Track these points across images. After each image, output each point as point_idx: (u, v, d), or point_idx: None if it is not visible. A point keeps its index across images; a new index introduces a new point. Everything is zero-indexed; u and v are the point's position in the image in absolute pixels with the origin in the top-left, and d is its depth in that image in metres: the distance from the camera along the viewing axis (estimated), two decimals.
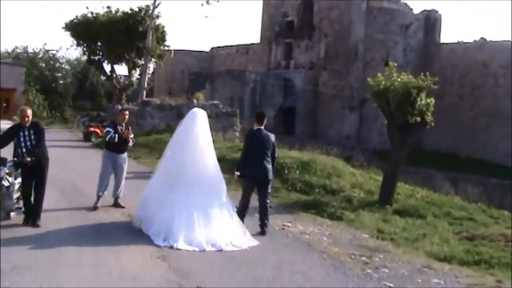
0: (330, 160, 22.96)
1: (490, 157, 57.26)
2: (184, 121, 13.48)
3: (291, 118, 67.33)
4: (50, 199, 14.72)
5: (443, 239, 14.25)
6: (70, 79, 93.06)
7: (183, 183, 12.54)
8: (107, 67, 55.86)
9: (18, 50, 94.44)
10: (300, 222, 15.00)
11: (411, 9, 69.17)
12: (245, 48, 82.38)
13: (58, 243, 11.33)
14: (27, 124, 12.57)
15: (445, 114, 52.41)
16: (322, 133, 64.42)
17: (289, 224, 14.47)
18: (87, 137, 38.61)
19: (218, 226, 12.17)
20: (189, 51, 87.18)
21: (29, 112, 12.68)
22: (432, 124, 18.50)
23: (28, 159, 12.22)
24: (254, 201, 16.32)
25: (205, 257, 10.96)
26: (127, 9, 51.92)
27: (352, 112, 65.18)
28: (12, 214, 12.86)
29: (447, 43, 68.15)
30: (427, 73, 18.49)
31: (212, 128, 30.51)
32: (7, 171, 12.10)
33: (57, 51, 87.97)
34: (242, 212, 13.32)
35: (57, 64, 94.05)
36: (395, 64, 19.36)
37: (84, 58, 59.33)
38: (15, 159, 12.46)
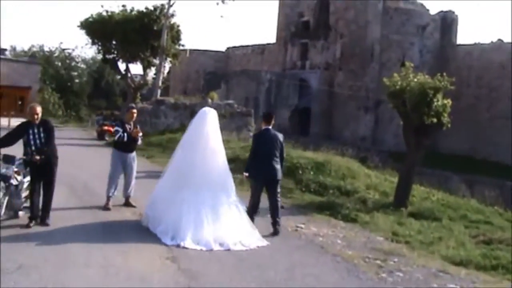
0: (345, 161, 22.71)
1: (506, 159, 56.66)
2: (194, 120, 13.40)
3: (306, 119, 67.12)
4: (60, 197, 14.66)
5: (459, 243, 13.96)
6: (85, 78, 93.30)
7: (192, 182, 12.45)
8: (121, 66, 55.81)
9: (34, 49, 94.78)
10: (313, 223, 14.75)
11: (428, 10, 68.85)
12: (261, 48, 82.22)
13: (66, 242, 11.16)
14: (37, 122, 12.37)
15: (461, 116, 51.90)
16: (337, 134, 64.14)
17: (302, 226, 14.23)
18: (100, 135, 38.50)
19: (226, 225, 12.07)
20: (204, 51, 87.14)
21: (39, 109, 12.47)
22: (449, 125, 18.24)
23: (37, 157, 11.99)
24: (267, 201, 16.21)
25: (215, 258, 10.74)
26: (142, 8, 51.96)
27: (368, 113, 64.88)
28: (21, 213, 12.70)
29: (463, 45, 67.70)
30: (444, 74, 18.22)
31: (227, 128, 30.50)
32: (15, 169, 11.89)
33: (73, 50, 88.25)
34: (251, 213, 13.19)
35: (73, 63, 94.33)
36: (412, 65, 19.10)
37: (99, 57, 59.16)
38: (24, 157, 12.27)
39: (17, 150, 12.50)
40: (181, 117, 37.22)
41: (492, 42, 64.39)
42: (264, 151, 13.38)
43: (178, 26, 51.84)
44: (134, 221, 13.55)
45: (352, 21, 65.89)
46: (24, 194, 12.57)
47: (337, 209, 16.46)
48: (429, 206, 18.15)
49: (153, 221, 12.62)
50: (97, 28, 51.49)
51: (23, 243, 10.84)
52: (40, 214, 12.37)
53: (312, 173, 20.51)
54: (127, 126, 15.14)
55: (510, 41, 62.20)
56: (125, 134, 14.94)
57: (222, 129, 32.05)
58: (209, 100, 39.29)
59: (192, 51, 77.59)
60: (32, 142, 12.22)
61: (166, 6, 48.24)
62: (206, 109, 13.63)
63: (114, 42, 52.73)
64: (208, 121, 13.10)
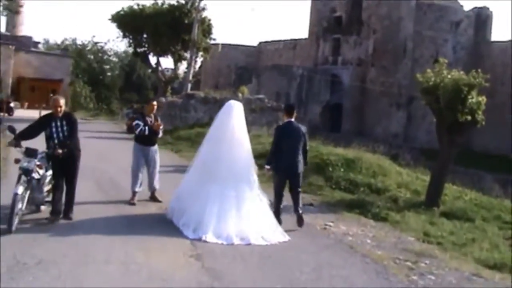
0: (376, 158, 22.25)
1: None
2: (220, 114, 13.25)
3: (338, 115, 66.64)
4: (85, 191, 14.62)
5: (493, 245, 13.55)
6: (117, 72, 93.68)
7: (218, 176, 12.35)
8: (152, 60, 55.75)
9: (67, 42, 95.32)
10: (343, 222, 14.40)
11: (462, 6, 67.98)
12: (293, 43, 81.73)
13: (87, 237, 10.95)
14: (60, 115, 12.11)
15: (496, 114, 51.08)
16: (368, 131, 63.63)
17: (331, 224, 13.88)
18: (130, 129, 38.33)
19: (249, 220, 11.98)
20: (236, 45, 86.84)
21: (62, 101, 12.18)
22: (483, 123, 17.77)
23: (60, 151, 11.72)
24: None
25: (240, 257, 10.43)
26: (173, 1, 51.86)
27: (400, 110, 64.26)
28: (43, 207, 12.50)
29: (498, 41, 66.76)
30: (479, 70, 17.78)
31: (257, 123, 30.22)
32: (38, 163, 11.63)
33: (105, 43, 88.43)
34: (277, 208, 13.14)
35: (105, 57, 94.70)
36: (446, 61, 18.69)
37: (131, 50, 59.17)
38: (47, 150, 12.02)
39: (39, 143, 12.27)
40: (211, 111, 36.91)
41: None
42: (286, 144, 13.27)
43: (209, 20, 51.68)
44: (159, 216, 13.33)
45: (385, 17, 65.25)
46: (46, 188, 12.31)
47: (367, 207, 16.09)
48: (461, 206, 17.69)
49: (178, 214, 12.58)
50: (128, 21, 51.51)
51: (44, 237, 10.65)
52: (62, 209, 12.15)
53: (342, 170, 20.12)
54: (148, 119, 14.88)
55: None
56: (146, 128, 14.68)
57: (252, 124, 32.00)
58: (240, 95, 38.99)
59: (224, 45, 77.46)
60: (55, 135, 11.99)
61: (197, 0, 48.06)
62: (232, 102, 13.47)
63: (145, 36, 52.68)
64: (234, 115, 12.96)
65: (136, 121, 14.87)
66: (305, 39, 76.40)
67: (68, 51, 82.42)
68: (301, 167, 13.44)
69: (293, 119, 13.59)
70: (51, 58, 71.24)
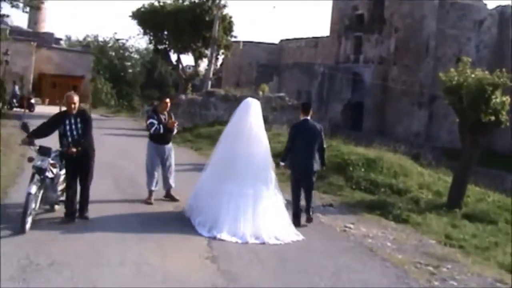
0: (397, 158, 21.95)
1: None
2: (237, 112, 13.21)
3: (359, 114, 66.23)
4: (102, 189, 14.58)
5: None
6: (139, 68, 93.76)
7: (235, 174, 12.28)
8: (173, 57, 55.58)
9: (89, 39, 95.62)
10: (363, 223, 14.14)
11: (485, 4, 67.27)
12: (314, 41, 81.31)
13: (103, 238, 10.79)
14: (74, 112, 11.88)
15: None
16: (390, 130, 63.18)
17: (351, 226, 13.62)
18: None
19: (264, 219, 11.93)
20: (258, 43, 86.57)
21: (76, 98, 11.92)
22: (507, 123, 17.45)
23: (74, 149, 11.46)
24: (317, 200, 15.73)
25: (257, 260, 10.22)
26: None
27: (422, 109, 63.74)
28: (57, 207, 12.31)
29: None
30: (503, 70, 17.47)
31: (278, 121, 29.98)
32: (51, 161, 11.42)
33: (127, 40, 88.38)
34: (296, 206, 13.14)
35: (127, 53, 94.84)
36: (469, 60, 18.38)
37: (152, 47, 58.95)
38: (61, 149, 11.78)
39: (53, 141, 12.09)
40: (231, 109, 36.45)
41: None
42: (301, 142, 13.24)
43: (230, 17, 51.32)
44: (176, 215, 13.21)
45: (408, 15, 64.71)
46: (61, 187, 12.07)
47: (388, 208, 15.80)
48: (484, 208, 17.34)
49: (195, 212, 12.52)
50: (149, 18, 51.30)
51: (58, 238, 10.49)
52: (77, 209, 11.97)
53: (363, 170, 19.83)
54: (162, 117, 14.66)
55: None
56: (161, 126, 14.45)
57: (273, 122, 31.75)
58: (260, 93, 38.75)
59: (245, 43, 77.22)
60: (68, 133, 11.76)
61: None
62: (249, 99, 13.45)
63: (165, 33, 52.48)
64: (251, 112, 12.92)
65: (150, 120, 14.59)
66: (327, 37, 76.03)
67: (89, 47, 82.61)
68: (315, 166, 13.35)
69: (309, 117, 13.51)
70: (72, 55, 71.38)
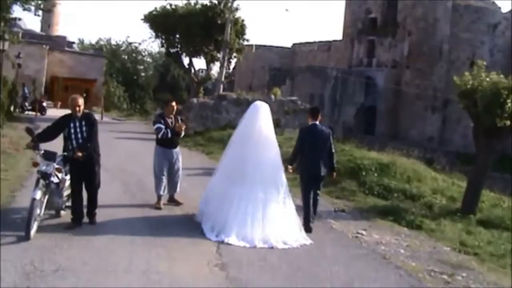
0: (410, 163, 21.69)
1: None
2: (246, 115, 13.08)
3: (372, 118, 65.96)
4: (112, 193, 14.45)
5: None
6: (151, 72, 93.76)
7: (245, 178, 12.12)
8: (185, 60, 55.35)
9: (102, 42, 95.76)
10: (375, 230, 13.88)
11: (499, 8, 66.85)
12: (327, 45, 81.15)
13: (109, 243, 10.56)
14: (79, 115, 11.58)
15: None
16: (403, 134, 62.89)
17: (364, 232, 13.36)
18: None
19: (273, 223, 11.80)
20: (270, 46, 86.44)
21: (81, 101, 11.61)
22: None
23: (80, 153, 11.18)
24: (329, 205, 15.51)
25: (267, 267, 9.97)
26: (206, 2, 51.36)
27: (435, 113, 63.41)
28: (63, 212, 12.05)
29: None
30: None
31: (290, 125, 29.74)
32: (56, 166, 11.15)
33: (140, 43, 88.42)
34: (306, 212, 12.96)
35: (139, 57, 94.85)
36: (484, 63, 18.12)
37: (163, 50, 58.76)
38: (65, 153, 11.49)
39: (59, 145, 11.88)
40: (243, 112, 35.98)
41: None
42: (309, 146, 13.10)
43: (242, 20, 51.07)
44: (185, 221, 12.98)
45: (421, 18, 64.41)
46: (66, 192, 11.78)
47: (402, 214, 15.55)
48: (499, 214, 17.07)
49: (206, 217, 12.37)
50: (161, 21, 51.13)
51: (65, 244, 10.22)
52: (84, 215, 11.73)
53: (376, 175, 19.57)
54: (168, 121, 14.41)
55: None
56: (168, 130, 14.21)
57: (285, 126, 31.49)
58: (272, 96, 38.49)
59: (258, 46, 77.08)
60: (73, 137, 11.45)
61: (230, 0, 47.63)
62: (258, 103, 13.32)
63: (177, 36, 52.29)
64: (260, 115, 12.77)
65: (157, 125, 14.28)
66: (340, 40, 75.87)
67: (102, 51, 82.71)
68: (323, 171, 13.20)
69: (317, 122, 13.40)
70: (85, 58, 71.51)
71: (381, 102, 66.10)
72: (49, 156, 11.05)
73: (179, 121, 14.57)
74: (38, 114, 46.93)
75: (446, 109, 62.02)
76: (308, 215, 12.90)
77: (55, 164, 10.93)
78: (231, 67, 63.97)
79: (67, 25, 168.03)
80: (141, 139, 31.80)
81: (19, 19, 37.26)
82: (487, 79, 17.10)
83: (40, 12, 32.90)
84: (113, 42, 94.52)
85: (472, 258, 12.21)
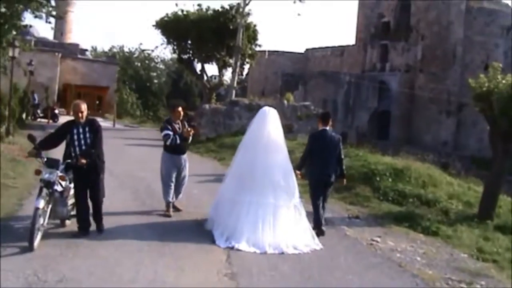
0: (425, 167, 21.29)
1: None
2: (255, 121, 12.89)
3: (386, 122, 65.60)
4: (121, 200, 14.42)
5: None
6: (164, 79, 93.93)
7: (254, 184, 12.02)
8: (197, 66, 55.09)
9: (115, 50, 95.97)
10: (390, 236, 13.52)
11: None
12: (340, 50, 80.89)
13: (116, 253, 10.23)
14: (82, 121, 11.23)
15: None
16: (417, 138, 62.54)
17: (379, 240, 12.99)
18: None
19: (284, 228, 11.69)
20: (283, 52, 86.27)
21: (84, 107, 11.27)
22: None
23: (84, 160, 10.81)
24: (343, 211, 15.20)
25: (278, 276, 9.64)
26: (217, 7, 51.08)
27: (449, 117, 63.01)
28: (68, 221, 11.73)
29: None
30: None
31: (302, 130, 29.46)
32: (60, 174, 10.81)
33: (152, 50, 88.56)
34: (317, 217, 12.81)
35: (152, 64, 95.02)
36: (500, 65, 17.77)
37: (176, 56, 58.49)
38: (68, 160, 11.08)
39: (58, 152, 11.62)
40: None
41: None
42: (319, 152, 13.02)
43: (254, 25, 50.75)
44: (194, 228, 12.69)
45: (434, 22, 64.08)
46: (71, 201, 11.40)
47: (417, 220, 15.17)
48: None
49: (216, 224, 12.18)
50: (172, 27, 50.85)
51: (70, 253, 9.91)
52: (90, 224, 11.40)
53: (390, 180, 19.20)
54: (176, 126, 14.12)
55: None
56: (177, 136, 13.90)
57: (298, 131, 31.17)
58: (285, 102, 38.25)
59: (271, 52, 76.97)
60: (76, 143, 11.09)
61: (242, 4, 47.31)
62: (266, 108, 13.13)
63: (189, 42, 52.03)
64: (268, 121, 12.63)
65: (165, 131, 13.93)
66: (353, 45, 75.62)
67: (115, 58, 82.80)
68: (333, 177, 13.13)
69: (328, 128, 13.28)
70: (97, 65, 71.62)
71: (395, 106, 65.76)
72: (52, 163, 10.71)
73: (186, 126, 14.24)
74: (51, 121, 46.91)
75: (461, 113, 61.65)
76: (318, 219, 12.74)
77: (58, 172, 10.57)
78: (244, 73, 63.76)
79: (80, 32, 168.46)
80: (152, 146, 31.54)
81: (30, 26, 37.06)
82: (503, 81, 16.78)
83: (51, 20, 32.59)
84: (126, 49, 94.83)
85: (491, 266, 11.85)
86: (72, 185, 11.19)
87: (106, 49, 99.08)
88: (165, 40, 52.93)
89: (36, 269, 8.86)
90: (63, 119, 46.31)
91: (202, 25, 48.26)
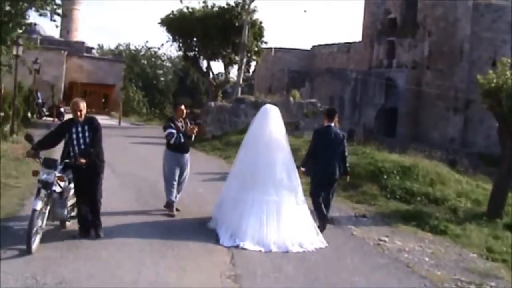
0: (433, 165, 21.01)
1: None
2: (256, 119, 12.86)
3: (393, 119, 65.32)
4: (124, 200, 14.31)
5: None
6: (171, 76, 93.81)
7: (256, 182, 11.97)
8: (203, 64, 54.88)
9: (121, 47, 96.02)
10: (398, 236, 13.27)
11: None
12: (347, 47, 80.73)
13: (117, 254, 10.00)
14: (81, 119, 10.95)
15: None
16: (424, 135, 62.26)
17: (386, 239, 12.75)
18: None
19: (288, 226, 11.61)
20: (290, 49, 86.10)
21: (82, 105, 10.96)
22: None
23: (83, 160, 10.47)
24: (350, 210, 14.97)
25: (283, 278, 9.40)
26: (223, 4, 50.80)
27: (457, 114, 62.65)
28: (68, 223, 11.46)
29: None
30: None
31: (309, 127, 29.27)
32: (58, 174, 10.44)
33: (159, 48, 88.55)
34: (319, 212, 12.75)
35: (159, 61, 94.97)
36: (509, 61, 17.51)
37: (181, 54, 58.21)
38: (67, 160, 10.76)
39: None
40: None
41: None
42: (323, 148, 12.94)
43: (260, 22, 50.45)
44: (198, 228, 12.45)
45: (441, 18, 63.74)
46: (71, 202, 11.09)
47: (425, 219, 14.90)
48: None
49: (219, 224, 12.13)
50: (178, 24, 50.61)
51: (70, 256, 9.69)
52: (91, 226, 11.08)
53: (397, 178, 18.94)
54: (179, 124, 13.95)
55: None
56: (181, 135, 13.74)
57: (304, 129, 30.96)
58: (291, 99, 38.02)
59: (277, 49, 76.81)
60: (75, 142, 10.77)
61: (248, 1, 47.04)
62: (268, 106, 13.09)
63: (194, 39, 51.80)
64: (270, 119, 12.57)
65: (169, 130, 13.73)
66: (359, 42, 75.42)
67: (121, 56, 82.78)
68: (337, 173, 13.08)
69: (333, 124, 13.20)
70: (103, 63, 71.67)
71: (402, 103, 65.47)
72: (50, 164, 10.34)
73: (189, 123, 14.07)
74: (56, 119, 46.79)
75: (468, 110, 61.32)
76: (321, 215, 12.71)
77: (56, 172, 10.26)
78: (251, 70, 63.58)
79: (87, 31, 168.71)
80: (157, 144, 31.40)
81: (35, 25, 36.97)
82: None
83: (56, 17, 32.39)
84: (132, 47, 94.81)
85: (501, 266, 11.58)
86: (72, 185, 10.91)
87: (113, 47, 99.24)
88: (171, 37, 52.71)
89: (35, 271, 8.67)
90: (68, 118, 46.41)
91: (207, 22, 48.02)
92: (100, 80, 67.48)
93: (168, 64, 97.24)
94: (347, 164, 13.42)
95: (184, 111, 14.21)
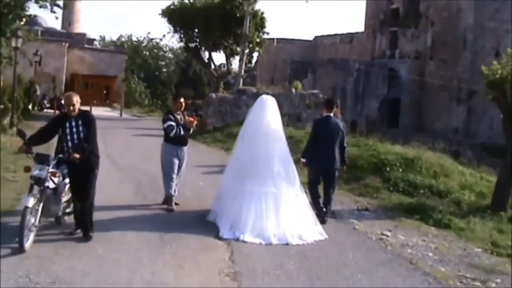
0: (437, 157, 20.76)
1: None
2: (253, 109, 12.85)
3: (396, 110, 65.02)
4: (123, 194, 14.17)
5: None
6: (173, 68, 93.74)
7: (254, 173, 11.97)
8: (205, 55, 54.67)
9: (123, 39, 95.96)
10: (401, 230, 13.03)
11: None
12: (349, 37, 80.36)
13: (114, 251, 9.77)
14: (74, 114, 10.59)
15: None
16: (427, 126, 61.98)
17: (389, 233, 12.51)
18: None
19: (287, 218, 11.61)
20: (292, 40, 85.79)
21: (75, 99, 10.61)
22: None
23: (77, 155, 10.11)
24: (352, 203, 14.78)
25: (283, 276, 9.15)
26: None
27: (460, 104, 62.30)
28: (65, 218, 11.20)
29: None
30: None
31: (311, 118, 29.07)
32: (51, 170, 10.12)
33: (161, 39, 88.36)
34: (316, 202, 12.86)
35: (161, 53, 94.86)
36: None
37: (183, 45, 57.94)
38: (60, 155, 10.44)
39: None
40: None
41: None
42: (323, 138, 13.02)
43: (262, 13, 50.15)
44: (197, 223, 12.23)
45: (444, 8, 63.37)
46: (66, 198, 10.80)
47: (428, 212, 14.65)
48: None
49: (219, 214, 12.17)
50: (179, 15, 50.44)
51: (66, 252, 9.48)
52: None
53: (401, 170, 18.70)
54: (178, 117, 13.80)
55: None
56: (180, 128, 13.56)
57: (306, 120, 30.75)
58: (293, 90, 37.76)
59: (279, 40, 76.52)
60: (68, 137, 10.43)
61: None
62: (264, 96, 13.06)
63: (196, 30, 51.55)
64: (267, 109, 12.52)
65: (169, 123, 13.53)
66: (362, 32, 75.10)
67: (123, 47, 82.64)
68: (337, 164, 13.18)
69: (332, 114, 13.26)
70: (105, 55, 71.51)
71: (405, 94, 65.18)
72: (42, 159, 10.01)
73: (186, 116, 13.88)
74: (57, 111, 46.57)
75: (471, 100, 60.95)
76: (318, 205, 12.80)
77: (49, 168, 9.96)
78: (253, 61, 63.32)
79: (88, 22, 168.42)
80: (158, 136, 31.23)
81: (35, 16, 36.85)
82: None
83: (56, 9, 32.18)
84: (134, 39, 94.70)
85: (506, 261, 11.30)
86: (67, 180, 10.61)
87: (115, 39, 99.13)
88: (172, 28, 52.48)
89: (29, 270, 8.46)
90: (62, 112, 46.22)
91: (208, 13, 47.82)
92: (102, 72, 67.32)
93: (170, 55, 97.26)
94: (345, 155, 13.48)
95: (183, 104, 14.03)
